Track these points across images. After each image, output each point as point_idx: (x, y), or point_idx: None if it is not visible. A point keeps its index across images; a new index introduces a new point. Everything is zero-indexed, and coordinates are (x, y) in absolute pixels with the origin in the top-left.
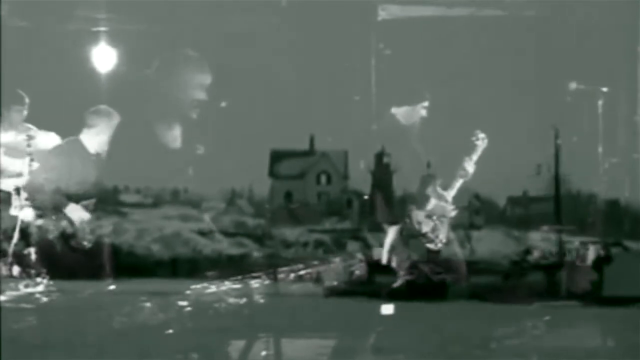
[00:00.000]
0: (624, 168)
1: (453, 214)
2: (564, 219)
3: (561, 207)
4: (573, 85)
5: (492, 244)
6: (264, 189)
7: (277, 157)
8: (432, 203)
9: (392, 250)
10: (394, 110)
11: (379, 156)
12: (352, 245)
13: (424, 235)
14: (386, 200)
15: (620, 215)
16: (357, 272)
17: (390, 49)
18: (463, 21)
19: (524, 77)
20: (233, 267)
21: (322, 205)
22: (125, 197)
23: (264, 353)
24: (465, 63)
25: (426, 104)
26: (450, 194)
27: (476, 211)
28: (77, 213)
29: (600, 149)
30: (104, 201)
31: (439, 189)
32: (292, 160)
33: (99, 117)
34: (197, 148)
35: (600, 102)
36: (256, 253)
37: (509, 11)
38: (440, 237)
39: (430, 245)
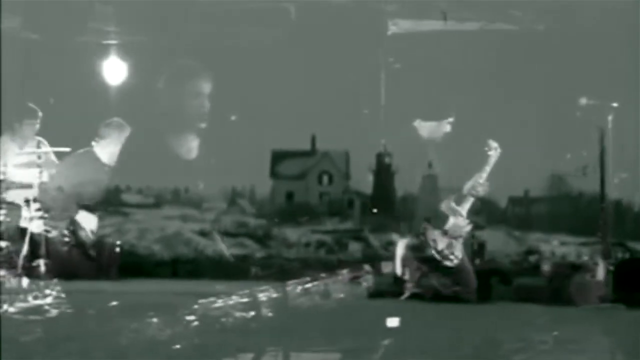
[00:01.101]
0: (633, 183)
1: (468, 228)
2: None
3: (606, 210)
4: (583, 101)
5: (493, 244)
6: (265, 188)
7: (278, 157)
8: (451, 222)
9: (403, 263)
10: (417, 123)
11: (381, 156)
12: (354, 246)
13: (440, 252)
14: (388, 202)
15: (624, 216)
16: (365, 284)
17: (399, 62)
18: (473, 35)
19: (534, 91)
20: (234, 267)
21: (323, 206)
22: (127, 197)
23: None
24: (475, 77)
25: (451, 119)
26: (465, 208)
27: (477, 211)
28: (88, 220)
29: (610, 164)
30: (107, 201)
31: (452, 205)
32: (294, 160)
33: (112, 129)
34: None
35: (610, 118)
36: (258, 253)
37: (519, 25)
38: (456, 253)
39: (446, 262)
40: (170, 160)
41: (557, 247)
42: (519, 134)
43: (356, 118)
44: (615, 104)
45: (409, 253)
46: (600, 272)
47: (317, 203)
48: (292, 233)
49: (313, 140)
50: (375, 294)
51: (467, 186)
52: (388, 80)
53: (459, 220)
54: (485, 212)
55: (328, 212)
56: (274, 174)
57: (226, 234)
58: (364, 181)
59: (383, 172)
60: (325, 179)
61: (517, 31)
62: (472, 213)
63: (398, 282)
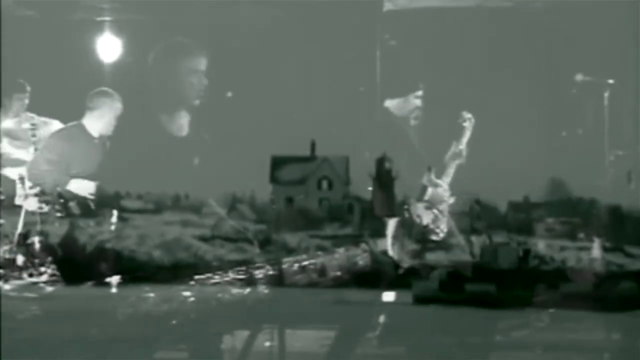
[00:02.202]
0: (629, 160)
1: (451, 200)
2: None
3: None
4: (579, 77)
5: None
6: (265, 195)
7: (278, 162)
8: (429, 192)
9: (395, 241)
10: (387, 103)
11: (380, 161)
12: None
13: (425, 227)
14: (387, 195)
15: (622, 220)
16: (361, 262)
17: (395, 39)
18: (470, 12)
19: (530, 68)
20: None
21: (323, 210)
22: (127, 203)
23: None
24: (471, 54)
25: (419, 93)
26: (446, 181)
27: (477, 216)
28: (83, 187)
29: (605, 141)
30: (106, 207)
31: (433, 177)
32: (293, 165)
33: (100, 99)
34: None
35: (606, 94)
36: (257, 258)
37: (515, 2)
38: (441, 227)
39: (433, 236)
40: (171, 165)
41: (557, 252)
42: (513, 114)
43: (352, 96)
44: (611, 81)
45: (399, 230)
46: (596, 250)
47: (317, 208)
48: (291, 238)
49: (313, 146)
50: (421, 300)
51: (448, 155)
52: (384, 57)
53: (439, 190)
54: (485, 217)
55: (328, 217)
56: (273, 179)
57: (226, 239)
58: (363, 186)
59: (383, 177)
60: (324, 184)
61: (513, 8)
62: (473, 218)
63: (444, 287)
